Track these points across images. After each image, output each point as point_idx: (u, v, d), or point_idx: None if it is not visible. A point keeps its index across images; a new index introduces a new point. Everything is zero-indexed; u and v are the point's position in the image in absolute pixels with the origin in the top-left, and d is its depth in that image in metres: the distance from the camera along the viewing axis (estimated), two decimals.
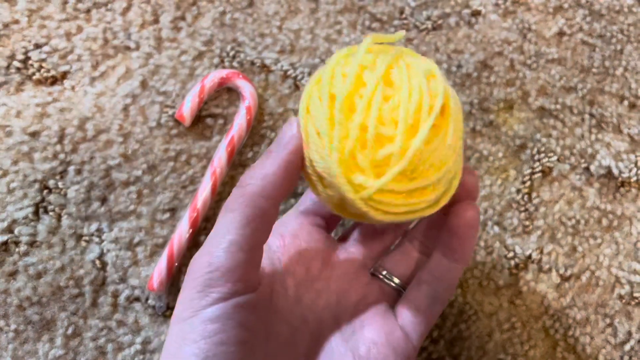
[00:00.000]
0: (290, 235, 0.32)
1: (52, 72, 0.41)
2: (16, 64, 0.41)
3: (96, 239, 0.39)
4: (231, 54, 0.42)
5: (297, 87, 0.42)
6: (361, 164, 0.25)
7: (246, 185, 0.26)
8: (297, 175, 0.27)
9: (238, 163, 0.41)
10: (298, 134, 0.27)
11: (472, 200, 0.29)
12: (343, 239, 0.35)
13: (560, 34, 0.44)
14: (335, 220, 0.35)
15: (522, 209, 0.41)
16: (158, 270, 0.38)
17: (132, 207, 0.39)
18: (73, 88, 0.41)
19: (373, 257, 0.34)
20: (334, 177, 0.26)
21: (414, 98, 0.25)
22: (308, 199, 0.34)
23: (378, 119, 0.25)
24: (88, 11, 0.42)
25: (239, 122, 0.40)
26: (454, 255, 0.29)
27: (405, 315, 0.30)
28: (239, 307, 0.25)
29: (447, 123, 0.26)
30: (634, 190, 0.42)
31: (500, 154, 0.42)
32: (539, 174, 0.42)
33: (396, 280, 0.33)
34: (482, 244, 0.40)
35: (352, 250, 0.34)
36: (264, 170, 0.26)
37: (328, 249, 0.33)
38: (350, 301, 0.31)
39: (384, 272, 0.33)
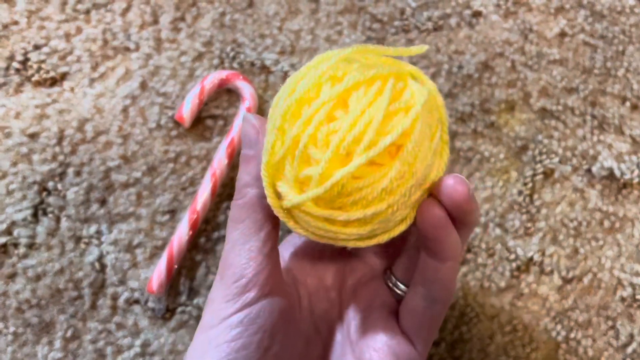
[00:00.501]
0: (302, 245, 0.31)
1: (52, 74, 0.41)
2: (15, 65, 0.40)
3: (95, 241, 0.39)
4: (231, 55, 0.42)
5: None
6: (287, 174, 0.25)
7: (245, 194, 0.27)
8: None
9: (238, 164, 0.40)
10: (260, 128, 0.27)
11: (463, 212, 0.26)
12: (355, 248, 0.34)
13: (562, 34, 0.44)
14: None
15: (524, 210, 0.41)
16: (157, 273, 0.37)
17: (131, 209, 0.39)
18: (72, 89, 0.41)
19: (385, 264, 0.33)
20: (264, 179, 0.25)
21: (357, 128, 0.23)
22: None
23: (311, 137, 0.24)
24: (87, 12, 0.42)
25: (239, 124, 0.40)
26: (435, 255, 0.27)
27: (405, 320, 0.29)
28: (264, 310, 0.26)
29: (394, 164, 0.24)
30: (636, 192, 0.41)
31: (501, 156, 0.41)
32: (541, 176, 0.41)
33: (402, 286, 0.31)
34: (483, 245, 0.40)
35: (364, 259, 0.33)
36: (253, 174, 0.27)
37: (340, 258, 0.32)
38: (358, 309, 0.31)
39: (392, 279, 0.32)
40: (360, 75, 0.24)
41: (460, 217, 0.26)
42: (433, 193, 0.26)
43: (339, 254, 0.33)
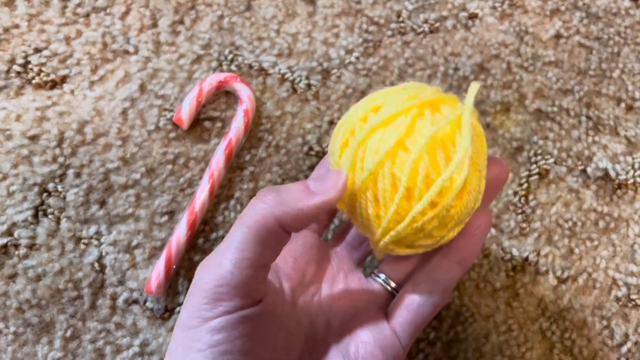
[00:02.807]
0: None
1: (52, 76, 0.41)
2: (16, 68, 0.41)
3: (95, 242, 0.39)
4: (229, 57, 0.42)
5: (294, 91, 0.42)
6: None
7: (268, 204, 0.26)
8: (318, 217, 0.28)
9: (236, 166, 0.41)
10: (342, 189, 0.27)
11: (502, 184, 0.30)
12: (335, 242, 0.35)
13: (557, 36, 0.44)
14: (326, 225, 0.35)
15: (519, 211, 0.41)
16: (156, 273, 0.38)
17: (130, 210, 0.40)
18: (72, 92, 0.41)
19: (364, 258, 0.34)
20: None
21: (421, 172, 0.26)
22: None
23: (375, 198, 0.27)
24: (87, 15, 0.43)
25: (237, 125, 0.40)
26: (458, 255, 0.29)
27: (397, 316, 0.30)
28: (245, 318, 0.26)
29: (459, 202, 0.26)
30: (630, 193, 0.42)
31: (497, 157, 0.42)
32: (536, 176, 0.42)
33: (392, 283, 0.33)
34: None
35: (344, 253, 0.34)
36: (293, 199, 0.26)
37: (322, 252, 0.33)
38: (342, 303, 0.31)
39: (381, 275, 0.33)
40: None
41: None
42: None
43: (318, 249, 0.33)
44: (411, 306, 0.30)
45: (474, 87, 0.27)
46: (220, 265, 0.25)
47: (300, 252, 0.32)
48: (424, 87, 0.28)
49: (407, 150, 0.26)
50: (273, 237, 0.26)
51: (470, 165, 0.26)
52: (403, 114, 0.26)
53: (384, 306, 0.32)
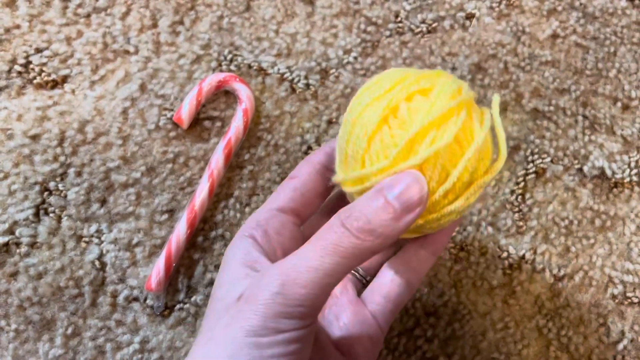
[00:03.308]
0: (273, 232, 0.31)
1: (53, 76, 0.41)
2: (17, 68, 0.41)
3: (96, 240, 0.39)
4: (229, 57, 0.43)
5: (293, 90, 0.43)
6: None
7: (361, 238, 0.25)
8: None
9: (235, 165, 0.41)
10: (427, 200, 0.26)
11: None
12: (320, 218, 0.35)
13: (554, 36, 0.45)
14: (304, 218, 0.35)
15: (516, 209, 0.41)
16: (156, 271, 0.38)
17: (131, 209, 0.40)
18: (73, 92, 0.41)
19: None
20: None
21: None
22: (282, 196, 0.32)
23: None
24: (88, 16, 0.43)
25: (236, 125, 0.41)
26: (434, 246, 0.32)
27: (377, 304, 0.32)
28: (312, 330, 0.26)
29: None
30: (627, 191, 0.42)
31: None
32: (533, 175, 0.42)
33: (362, 272, 0.35)
34: (476, 244, 0.41)
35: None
36: (386, 230, 0.25)
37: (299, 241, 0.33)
38: None
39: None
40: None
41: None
42: None
43: (301, 242, 0.33)
44: (392, 295, 0.32)
45: (497, 99, 0.29)
46: (307, 287, 0.24)
47: (288, 246, 0.32)
48: (456, 79, 0.29)
49: (462, 148, 0.27)
50: (359, 263, 0.26)
51: None
52: (457, 109, 0.27)
53: (357, 292, 0.34)
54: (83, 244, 0.39)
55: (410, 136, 0.26)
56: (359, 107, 0.28)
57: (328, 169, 0.31)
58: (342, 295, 0.33)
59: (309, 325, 0.25)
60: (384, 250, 0.27)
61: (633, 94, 0.44)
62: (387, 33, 0.44)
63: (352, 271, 0.34)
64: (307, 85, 0.43)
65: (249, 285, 0.26)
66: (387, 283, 0.32)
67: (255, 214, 0.31)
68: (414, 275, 0.32)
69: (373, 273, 0.35)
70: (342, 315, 0.32)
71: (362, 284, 0.35)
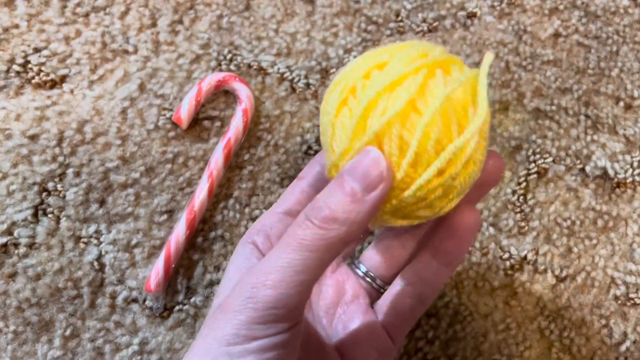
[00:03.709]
0: (277, 237, 0.31)
1: (51, 76, 0.41)
2: (16, 67, 0.41)
3: (94, 241, 0.39)
4: (228, 57, 0.42)
5: (293, 90, 0.42)
6: None
7: (326, 228, 0.24)
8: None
9: (235, 165, 0.41)
10: (388, 176, 0.24)
11: (494, 183, 0.29)
12: None
13: (556, 35, 0.44)
14: None
15: (518, 210, 0.41)
16: (155, 272, 0.38)
17: (130, 209, 0.40)
18: (72, 91, 0.41)
19: (351, 253, 0.34)
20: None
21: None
22: (289, 199, 0.31)
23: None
24: (86, 15, 0.43)
25: (236, 125, 0.40)
26: (447, 258, 0.29)
27: (388, 316, 0.30)
28: (296, 334, 0.25)
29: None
30: (629, 191, 0.42)
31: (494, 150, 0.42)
32: (535, 175, 0.42)
33: (379, 281, 0.33)
34: (477, 245, 0.40)
35: None
36: (350, 215, 0.24)
37: None
38: (331, 300, 0.32)
39: (369, 273, 0.33)
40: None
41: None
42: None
43: None
44: (404, 308, 0.30)
45: (489, 57, 0.25)
46: (277, 287, 0.24)
47: None
48: (430, 46, 0.26)
49: (419, 113, 0.24)
50: (333, 258, 0.24)
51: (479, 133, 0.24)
52: (413, 73, 0.24)
53: (369, 300, 0.32)
54: (82, 245, 0.39)
55: (360, 112, 0.24)
56: (325, 95, 0.27)
57: None
58: (353, 305, 0.31)
59: (288, 329, 0.24)
60: (356, 238, 0.25)
61: (635, 94, 0.43)
62: (388, 32, 0.44)
63: (369, 280, 0.32)
64: (307, 85, 0.42)
65: (228, 293, 0.25)
66: (400, 295, 0.30)
67: (262, 218, 0.31)
68: (428, 288, 0.30)
69: (390, 283, 0.33)
70: (350, 325, 0.30)
71: (379, 294, 0.33)
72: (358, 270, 0.33)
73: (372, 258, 0.33)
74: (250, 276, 0.24)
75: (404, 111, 0.24)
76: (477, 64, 0.43)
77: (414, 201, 0.25)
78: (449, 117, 0.24)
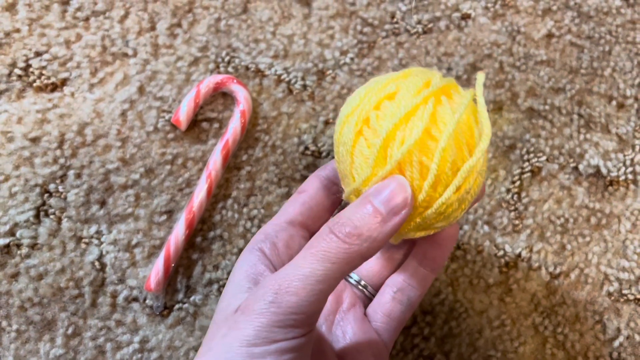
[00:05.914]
0: (282, 245, 0.32)
1: (52, 79, 0.42)
2: (17, 71, 0.42)
3: (95, 241, 0.40)
4: (226, 59, 0.43)
5: (290, 91, 0.43)
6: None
7: (349, 242, 0.26)
8: None
9: (233, 166, 0.42)
10: (411, 201, 0.26)
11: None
12: None
13: (549, 35, 0.45)
14: (313, 231, 0.35)
15: (512, 208, 0.42)
16: (155, 271, 0.39)
17: (130, 210, 0.40)
18: (72, 94, 0.42)
19: None
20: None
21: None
22: (291, 210, 0.33)
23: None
24: (87, 19, 0.43)
25: (234, 126, 0.41)
26: (432, 264, 0.33)
27: (380, 321, 0.32)
28: (310, 339, 0.26)
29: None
30: (622, 189, 0.42)
31: (489, 155, 0.42)
32: (528, 174, 0.42)
33: (370, 289, 0.35)
34: (472, 242, 0.41)
35: None
36: (373, 234, 0.26)
37: None
38: (329, 306, 0.33)
39: (361, 282, 0.35)
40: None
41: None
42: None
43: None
44: (393, 313, 0.33)
45: (481, 77, 0.28)
46: (299, 294, 0.25)
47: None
48: (429, 72, 0.29)
49: (434, 139, 0.27)
50: (351, 270, 0.26)
51: None
52: (423, 103, 0.27)
53: (363, 306, 0.34)
54: (83, 245, 0.40)
55: (380, 142, 0.27)
56: (338, 127, 0.29)
57: (335, 183, 0.32)
58: (350, 313, 0.33)
59: (304, 334, 0.25)
60: (374, 254, 0.27)
61: (628, 93, 0.44)
62: (383, 34, 0.45)
63: (362, 288, 0.34)
64: (304, 87, 0.43)
65: (247, 296, 0.26)
66: (389, 301, 0.33)
67: (265, 227, 0.32)
68: (416, 293, 0.33)
69: (378, 289, 0.35)
70: (348, 332, 0.32)
71: (369, 300, 0.35)
72: (351, 279, 0.35)
73: (363, 267, 0.35)
74: (272, 282, 0.25)
75: (421, 139, 0.26)
76: (471, 65, 0.44)
77: (434, 216, 0.28)
78: (460, 140, 0.27)
